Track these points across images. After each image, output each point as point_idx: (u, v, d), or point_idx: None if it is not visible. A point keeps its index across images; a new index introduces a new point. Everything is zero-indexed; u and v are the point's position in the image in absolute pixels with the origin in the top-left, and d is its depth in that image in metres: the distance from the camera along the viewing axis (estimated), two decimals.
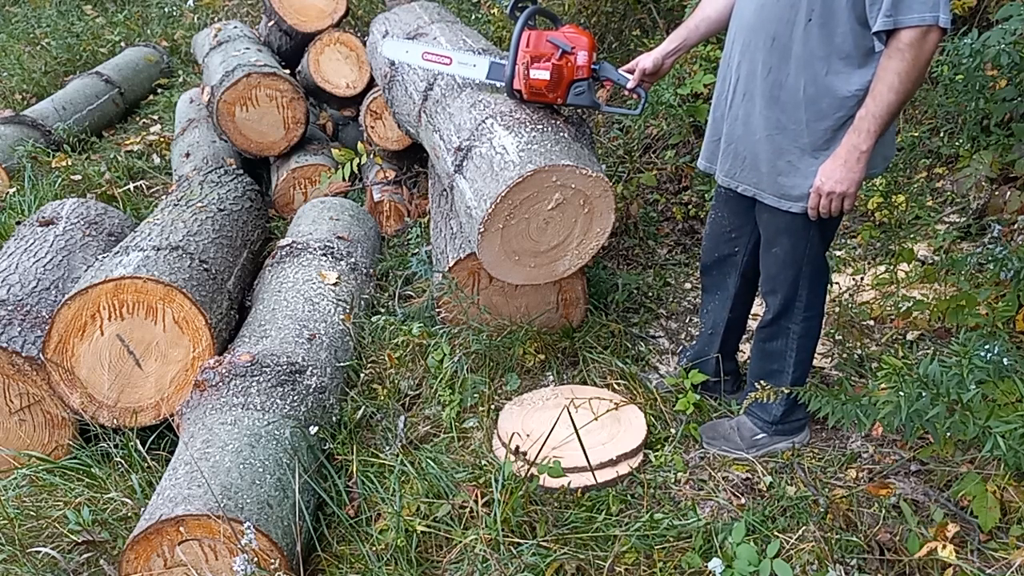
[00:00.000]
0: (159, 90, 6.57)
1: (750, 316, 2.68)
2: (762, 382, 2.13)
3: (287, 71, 4.48)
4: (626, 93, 2.50)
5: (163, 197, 4.22)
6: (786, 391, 2.20)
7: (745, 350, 2.88)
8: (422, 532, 2.07)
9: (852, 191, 1.95)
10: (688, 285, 3.39)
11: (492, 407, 2.57)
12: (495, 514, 2.01)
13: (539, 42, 2.48)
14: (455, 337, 2.74)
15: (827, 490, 2.18)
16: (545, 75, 2.47)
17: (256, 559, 1.87)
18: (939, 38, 1.80)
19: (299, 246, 3.22)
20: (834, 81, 1.93)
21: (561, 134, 2.54)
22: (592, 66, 2.51)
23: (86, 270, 2.82)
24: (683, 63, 3.97)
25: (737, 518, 2.06)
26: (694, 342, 2.72)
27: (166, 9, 8.34)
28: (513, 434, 2.34)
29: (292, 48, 4.91)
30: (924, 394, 1.76)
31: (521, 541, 1.98)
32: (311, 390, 2.45)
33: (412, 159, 4.29)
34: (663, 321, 3.16)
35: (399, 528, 2.05)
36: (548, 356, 2.78)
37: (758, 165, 2.11)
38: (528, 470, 2.13)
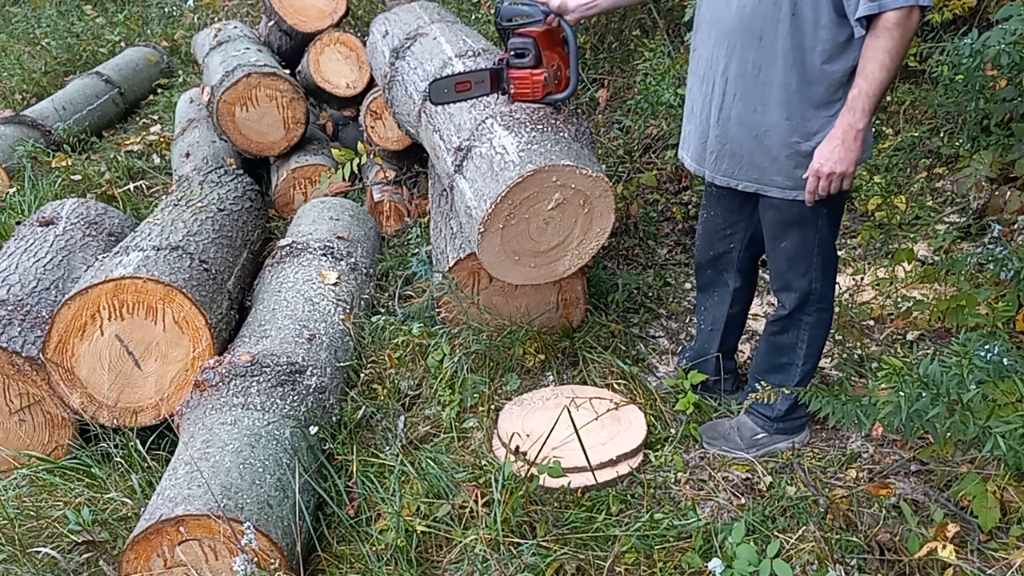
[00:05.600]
0: (159, 90, 6.56)
1: (749, 315, 2.68)
2: (763, 383, 2.13)
3: (287, 71, 4.48)
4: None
5: (163, 197, 4.22)
6: (787, 391, 2.20)
7: (745, 350, 2.89)
8: (422, 532, 2.07)
9: (851, 170, 2.00)
10: (688, 285, 3.39)
11: (492, 407, 2.57)
12: (495, 514, 2.01)
13: None
14: (455, 337, 2.74)
15: (827, 490, 2.18)
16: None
17: (256, 559, 1.87)
18: (921, 16, 1.87)
19: (299, 246, 3.21)
20: (824, 69, 1.99)
21: (561, 134, 2.54)
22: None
23: (86, 270, 2.82)
24: (682, 64, 3.97)
25: (737, 518, 2.06)
26: (693, 341, 2.72)
27: (166, 9, 8.33)
28: (513, 434, 2.34)
29: (292, 48, 4.91)
30: (924, 394, 1.76)
31: (521, 541, 1.98)
32: (311, 390, 2.45)
33: (412, 159, 4.29)
34: (663, 321, 3.15)
35: (399, 528, 2.05)
36: (548, 356, 2.78)
37: (758, 161, 2.13)
38: (528, 470, 2.13)
